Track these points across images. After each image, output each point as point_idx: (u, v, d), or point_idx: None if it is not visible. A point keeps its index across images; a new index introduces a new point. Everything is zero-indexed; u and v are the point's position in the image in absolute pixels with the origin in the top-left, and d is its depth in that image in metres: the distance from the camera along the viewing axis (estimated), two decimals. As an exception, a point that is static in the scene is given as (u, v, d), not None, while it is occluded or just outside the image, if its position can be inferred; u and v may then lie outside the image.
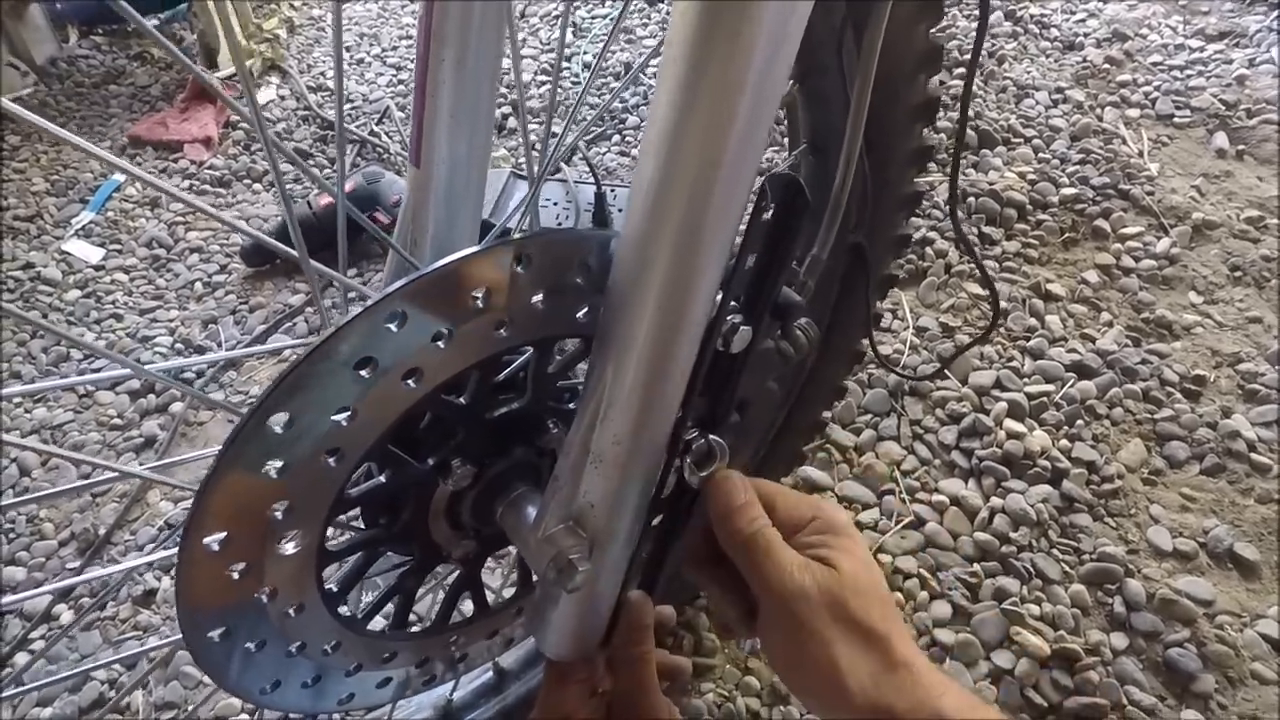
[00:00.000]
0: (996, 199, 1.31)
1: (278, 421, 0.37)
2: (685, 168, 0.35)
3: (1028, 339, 1.14)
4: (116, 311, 1.38)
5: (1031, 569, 0.93)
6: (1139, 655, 0.87)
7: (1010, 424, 1.04)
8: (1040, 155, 1.41)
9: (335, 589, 0.46)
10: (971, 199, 1.31)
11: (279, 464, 0.38)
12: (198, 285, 1.42)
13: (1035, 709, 0.84)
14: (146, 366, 0.43)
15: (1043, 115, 1.48)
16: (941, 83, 1.43)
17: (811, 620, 0.40)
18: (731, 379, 0.46)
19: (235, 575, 0.40)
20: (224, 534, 0.38)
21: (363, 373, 0.38)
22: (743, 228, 0.40)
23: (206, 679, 0.67)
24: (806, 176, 0.68)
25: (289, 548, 0.41)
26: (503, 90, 1.76)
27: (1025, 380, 1.09)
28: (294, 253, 0.42)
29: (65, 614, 1.04)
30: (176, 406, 1.23)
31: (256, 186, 1.59)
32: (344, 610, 0.48)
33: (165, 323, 1.36)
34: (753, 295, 0.44)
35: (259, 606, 0.42)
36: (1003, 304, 1.19)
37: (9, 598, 1.00)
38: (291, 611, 0.44)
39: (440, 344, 0.40)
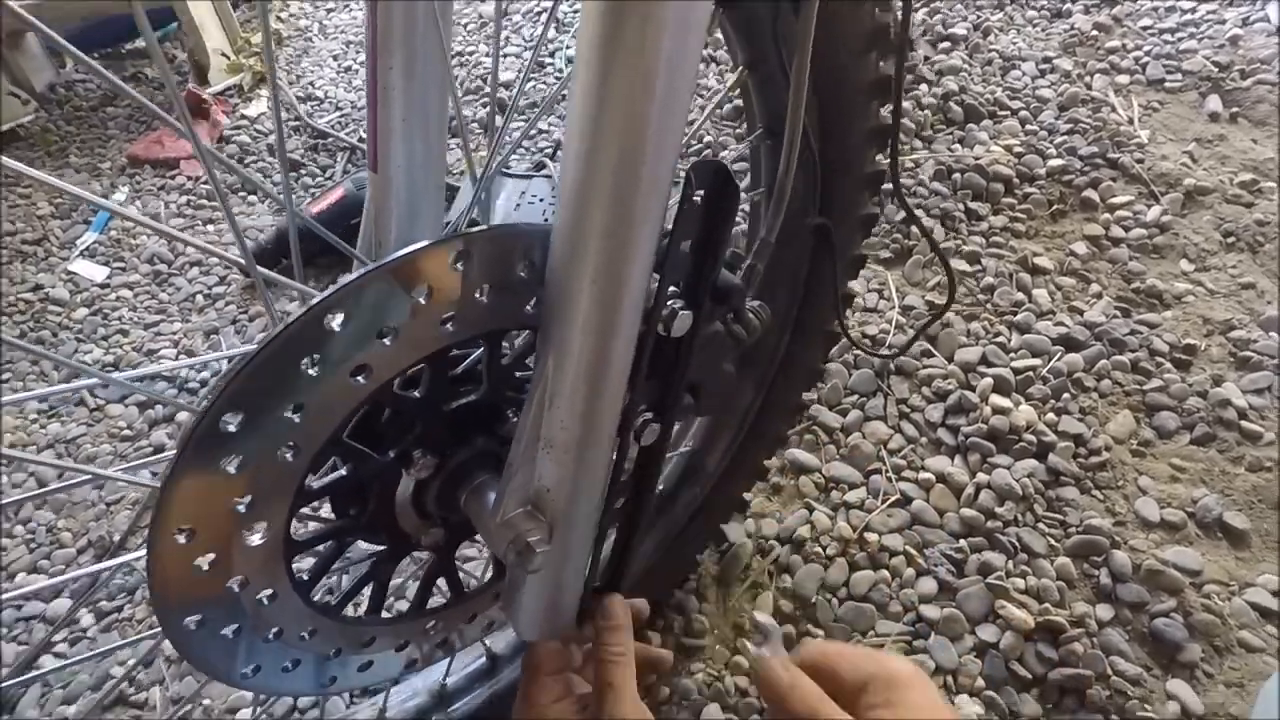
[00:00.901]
0: (982, 174, 1.30)
1: (232, 421, 0.39)
2: (606, 157, 0.36)
3: (1014, 314, 1.14)
4: (123, 327, 1.42)
5: (1017, 543, 0.94)
6: (1125, 626, 0.88)
7: (996, 400, 1.04)
8: (1027, 127, 1.40)
9: (306, 578, 0.48)
10: (957, 174, 1.31)
11: (236, 460, 0.40)
12: (199, 298, 1.45)
13: (1020, 681, 0.85)
14: (112, 375, 0.45)
15: (1030, 86, 1.47)
16: (926, 58, 1.43)
17: None
18: (678, 363, 0.48)
19: (205, 566, 0.42)
20: (189, 528, 0.40)
21: (310, 371, 0.40)
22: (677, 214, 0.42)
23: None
24: (765, 160, 0.69)
25: (256, 539, 0.43)
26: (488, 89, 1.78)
27: (1012, 355, 1.10)
28: (240, 261, 0.44)
29: (86, 618, 1.08)
30: (182, 416, 1.27)
31: (251, 198, 1.62)
32: (317, 598, 0.50)
33: (169, 335, 1.40)
34: (692, 281, 0.45)
35: (231, 596, 0.44)
36: (989, 279, 1.19)
37: (16, 592, 1.05)
38: (264, 599, 0.46)
39: (386, 340, 0.41)
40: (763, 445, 0.89)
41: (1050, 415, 1.03)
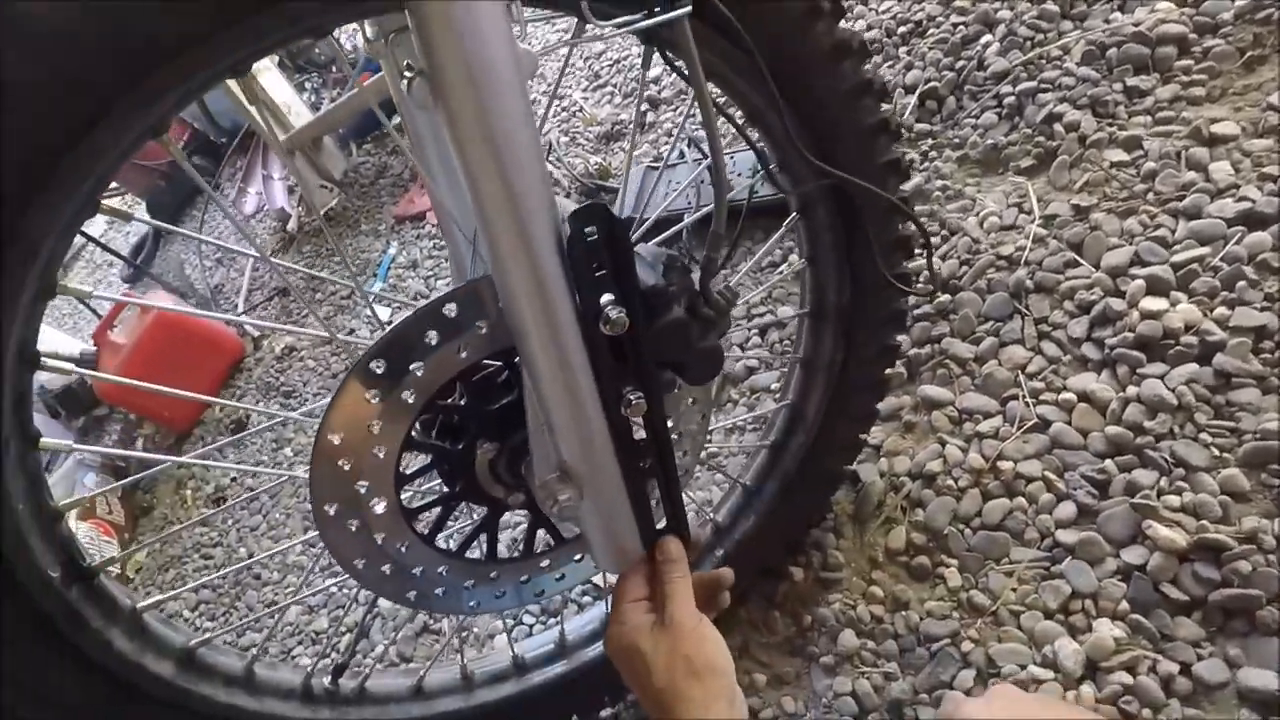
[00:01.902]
0: (1145, 41, 1.13)
1: (378, 366, 0.59)
2: (492, 202, 0.49)
3: (1181, 198, 1.00)
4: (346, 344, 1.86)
5: (1170, 459, 0.86)
6: (1309, 539, 0.77)
7: (1147, 303, 0.94)
8: (1214, -35, 1.16)
9: (427, 532, 0.70)
10: (1113, 50, 1.15)
11: (376, 393, 0.59)
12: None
13: (1173, 604, 0.80)
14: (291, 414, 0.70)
15: (1218, -86, 1.21)
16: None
17: None
18: (640, 348, 0.60)
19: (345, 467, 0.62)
20: (341, 434, 0.60)
21: (430, 340, 0.59)
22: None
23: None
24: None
25: (380, 453, 0.63)
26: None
27: (1174, 249, 0.97)
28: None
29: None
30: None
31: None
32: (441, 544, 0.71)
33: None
34: (619, 293, 0.57)
35: (378, 546, 0.67)
36: (1150, 164, 1.04)
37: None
38: (403, 549, 0.69)
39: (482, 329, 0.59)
40: (860, 390, 0.94)
41: (1221, 310, 0.90)
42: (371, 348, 0.58)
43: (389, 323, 1.95)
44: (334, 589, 1.50)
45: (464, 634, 1.28)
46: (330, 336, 0.70)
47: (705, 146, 1.61)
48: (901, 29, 1.41)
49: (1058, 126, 1.14)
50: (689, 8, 0.54)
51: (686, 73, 0.58)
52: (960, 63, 1.30)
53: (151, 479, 2.19)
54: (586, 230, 0.53)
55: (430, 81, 0.45)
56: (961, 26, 1.33)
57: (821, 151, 0.70)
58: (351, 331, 2.05)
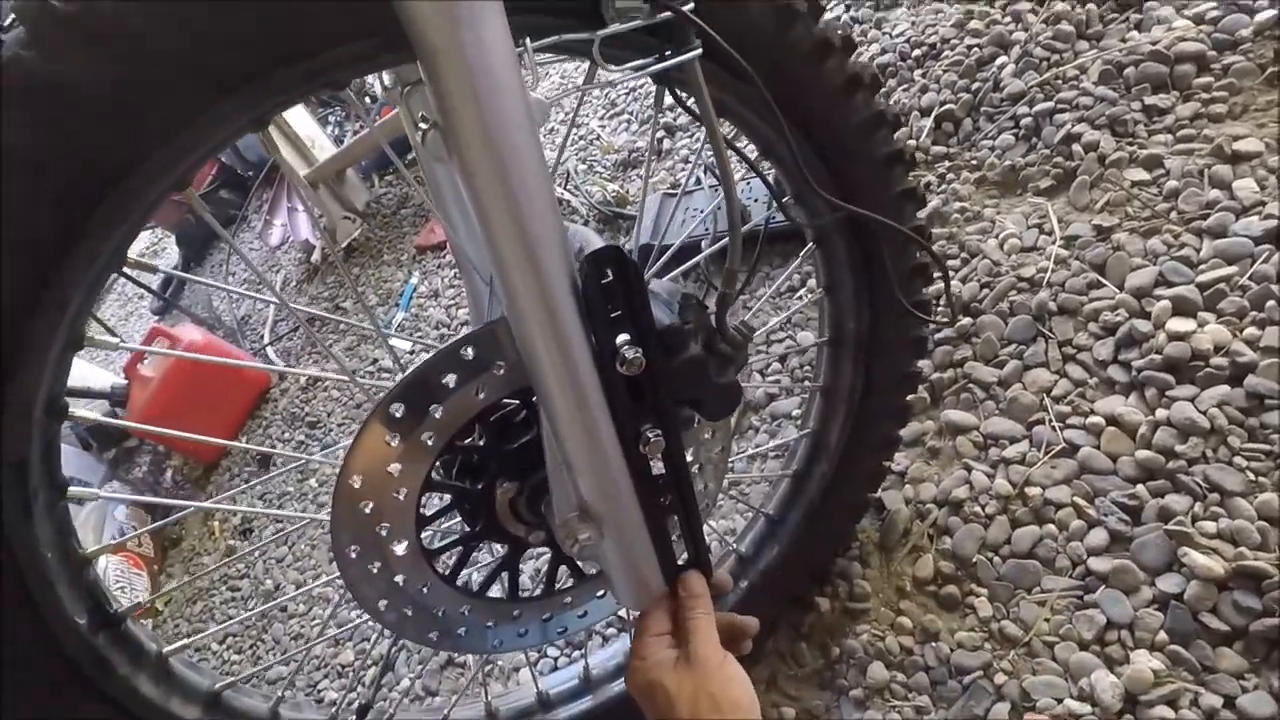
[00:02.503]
0: (1162, 60, 1.12)
1: (397, 409, 0.59)
2: (507, 248, 0.50)
3: (1205, 217, 0.98)
4: (363, 386, 1.87)
5: (1205, 483, 0.83)
6: (1355, 567, 0.74)
7: (1174, 324, 0.92)
8: (1230, -18, 1.15)
9: (448, 572, 0.70)
10: (1130, 69, 1.14)
11: (396, 436, 0.59)
12: (468, 350, 1.85)
13: (1214, 634, 0.78)
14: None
15: (1234, -71, 1.20)
16: None
17: None
18: (657, 387, 0.60)
19: (366, 511, 0.62)
20: (361, 477, 0.61)
21: (448, 383, 0.59)
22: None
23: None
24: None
25: (400, 495, 0.63)
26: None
27: (1199, 269, 0.95)
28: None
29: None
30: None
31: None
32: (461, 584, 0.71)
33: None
34: (634, 333, 0.57)
35: (400, 588, 0.67)
36: (1172, 183, 1.03)
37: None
38: (424, 590, 0.69)
39: (500, 371, 0.60)
40: (881, 417, 0.93)
41: (1250, 330, 0.88)
42: (390, 391, 0.59)
43: (411, 353, 1.98)
44: (359, 621, 1.50)
45: (488, 668, 1.27)
46: (348, 378, 0.70)
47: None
48: (915, 52, 1.41)
49: (1076, 146, 1.13)
50: (699, 50, 0.55)
51: (698, 111, 0.59)
52: (975, 85, 1.30)
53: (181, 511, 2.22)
54: (600, 273, 0.54)
55: (444, 133, 0.46)
56: (976, 49, 1.33)
57: (837, 183, 0.70)
58: (375, 362, 2.07)
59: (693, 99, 0.59)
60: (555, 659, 1.23)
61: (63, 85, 0.42)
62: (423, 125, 0.48)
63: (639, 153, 1.91)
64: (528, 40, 0.50)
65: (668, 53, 0.55)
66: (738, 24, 0.58)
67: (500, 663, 1.27)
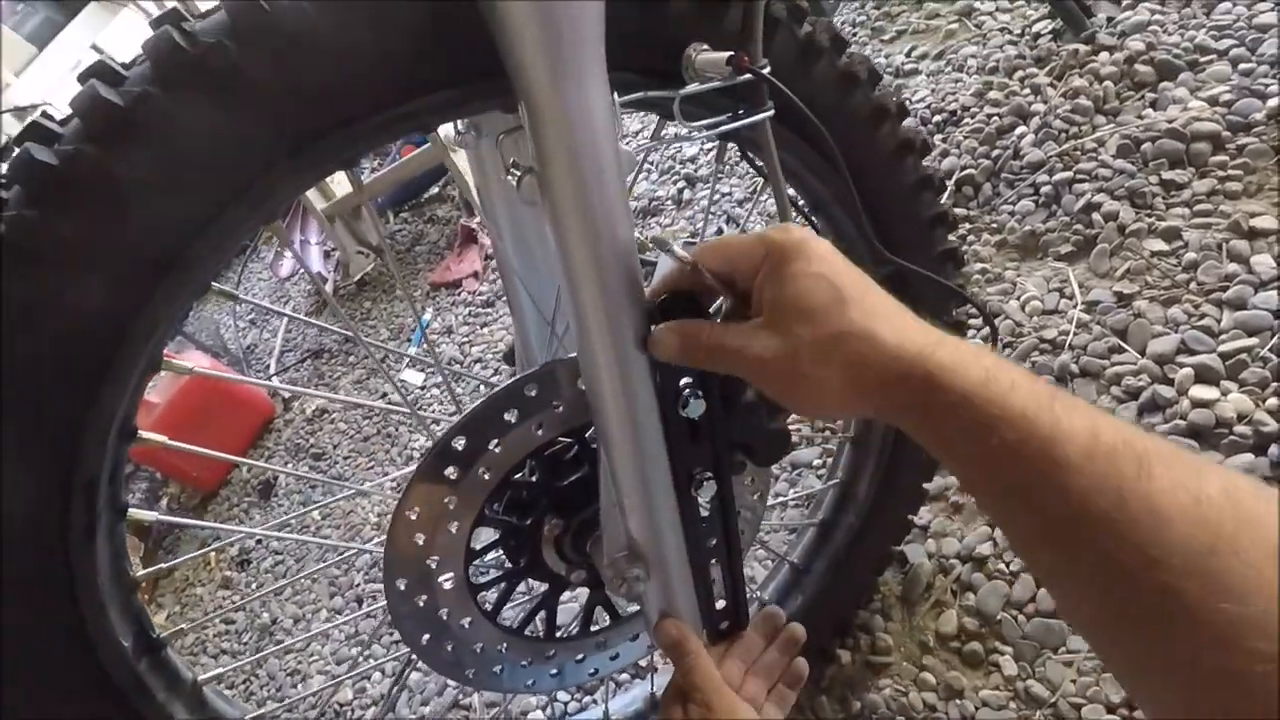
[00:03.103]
0: (1179, 137, 1.17)
1: (459, 443, 0.60)
2: (587, 291, 0.51)
3: (1224, 289, 1.01)
4: (436, 418, 1.88)
5: (1231, 548, 0.84)
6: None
7: (1198, 391, 0.94)
8: (1241, 67, 1.21)
9: (491, 608, 0.70)
10: (1148, 145, 1.19)
11: (455, 470, 0.61)
12: (482, 387, 1.86)
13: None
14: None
15: (1243, 19, 1.27)
16: (1109, 19, 1.29)
17: (777, 378, 0.45)
18: (710, 433, 0.61)
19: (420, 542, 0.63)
20: (418, 509, 0.61)
21: (509, 419, 0.60)
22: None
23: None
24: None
25: (453, 529, 0.63)
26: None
27: (1220, 339, 0.98)
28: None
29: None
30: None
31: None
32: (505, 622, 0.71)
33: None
34: (699, 375, 0.58)
35: (443, 622, 0.67)
36: (1191, 255, 1.06)
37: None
38: (465, 624, 0.68)
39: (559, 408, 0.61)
40: (909, 469, 0.94)
41: (1272, 400, 0.90)
42: (454, 425, 0.59)
43: (424, 386, 1.98)
44: (359, 659, 1.47)
45: (497, 710, 1.25)
46: (407, 409, 0.71)
47: (747, 225, 1.66)
48: (936, 118, 1.47)
49: (1096, 215, 1.17)
50: (771, 111, 0.58)
51: (764, 168, 0.62)
52: (996, 151, 1.35)
53: (174, 538, 2.19)
54: (671, 316, 0.55)
55: (540, 178, 0.48)
56: (996, 117, 1.38)
57: (885, 241, 0.73)
58: (384, 395, 2.07)
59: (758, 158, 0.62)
60: (565, 704, 1.21)
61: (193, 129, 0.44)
62: (515, 171, 0.50)
63: (659, 200, 1.96)
64: (614, 95, 0.53)
65: (741, 111, 0.58)
66: (804, 89, 0.61)
67: (509, 705, 1.24)
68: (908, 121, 0.70)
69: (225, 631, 1.80)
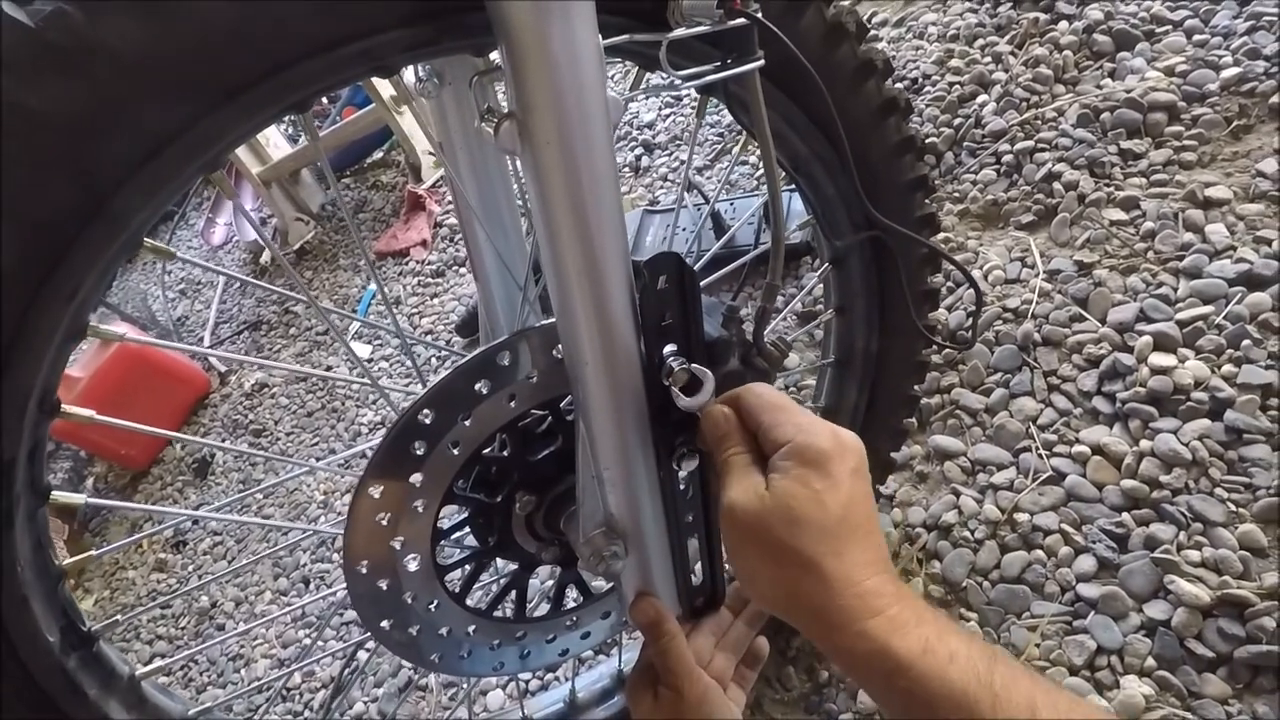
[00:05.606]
0: (1136, 107, 1.18)
1: (426, 416, 0.56)
2: (570, 247, 0.47)
3: (1180, 258, 1.03)
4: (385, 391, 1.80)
5: (1189, 513, 0.87)
6: (1330, 595, 0.78)
7: (1157, 359, 0.96)
8: (1196, 38, 1.23)
9: (458, 590, 0.66)
10: (1106, 114, 1.20)
11: (422, 445, 0.56)
12: (433, 360, 1.79)
13: (1199, 660, 0.80)
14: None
15: (1199, -10, 1.29)
16: None
17: (731, 535, 0.47)
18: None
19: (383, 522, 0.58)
20: (381, 487, 0.56)
21: (481, 389, 0.56)
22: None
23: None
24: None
25: (419, 507, 0.59)
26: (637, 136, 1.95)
27: (1177, 306, 1.00)
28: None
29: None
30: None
31: (462, 271, 1.95)
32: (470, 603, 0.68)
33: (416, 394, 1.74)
34: (683, 344, 0.55)
35: (408, 605, 0.63)
36: (1149, 224, 1.08)
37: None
38: (432, 608, 0.65)
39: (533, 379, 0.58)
40: (880, 438, 0.93)
41: (1228, 367, 0.93)
42: (421, 397, 0.55)
43: (370, 359, 1.90)
44: (307, 640, 1.41)
45: (452, 691, 1.22)
46: (370, 383, 0.66)
47: (707, 191, 1.62)
48: (898, 86, 1.45)
49: (1057, 185, 1.18)
50: (761, 61, 0.54)
51: (751, 124, 0.58)
52: (958, 120, 1.34)
53: (103, 520, 2.07)
54: (658, 279, 0.52)
55: (520, 125, 0.44)
56: (957, 85, 1.37)
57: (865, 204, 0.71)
58: (330, 368, 1.98)
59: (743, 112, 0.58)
60: (526, 681, 1.18)
61: (107, 49, 0.38)
62: (491, 117, 0.45)
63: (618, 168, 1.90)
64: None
65: (729, 61, 0.54)
66: (794, 39, 0.58)
67: (464, 685, 1.21)
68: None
69: (161, 616, 1.71)
